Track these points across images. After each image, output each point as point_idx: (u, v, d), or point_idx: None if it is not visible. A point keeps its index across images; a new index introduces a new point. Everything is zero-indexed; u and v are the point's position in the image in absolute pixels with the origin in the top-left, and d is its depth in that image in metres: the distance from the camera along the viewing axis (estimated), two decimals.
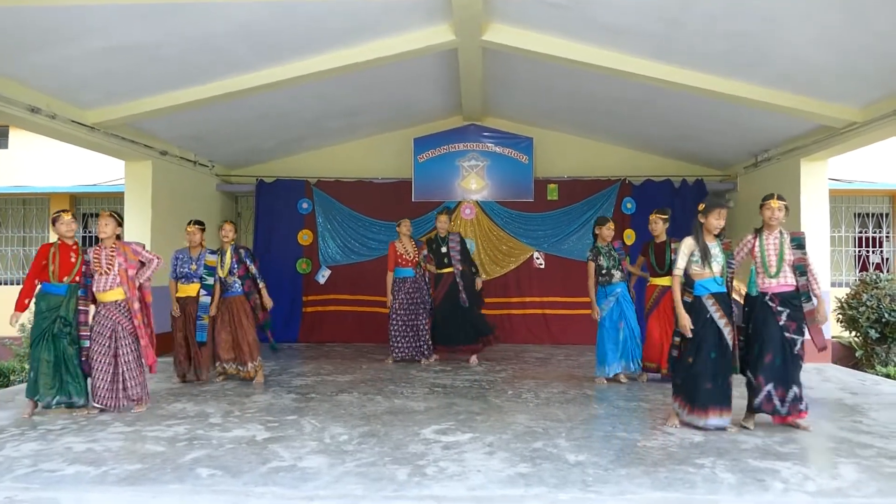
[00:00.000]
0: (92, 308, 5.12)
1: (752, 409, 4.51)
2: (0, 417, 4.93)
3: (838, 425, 4.67)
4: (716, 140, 8.50)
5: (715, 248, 4.50)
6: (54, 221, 5.10)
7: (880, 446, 4.11)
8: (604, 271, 6.16)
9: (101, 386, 4.99)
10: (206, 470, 3.62)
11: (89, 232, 11.32)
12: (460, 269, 7.28)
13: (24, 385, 5.52)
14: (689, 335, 4.44)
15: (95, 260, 5.05)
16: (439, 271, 7.41)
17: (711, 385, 4.39)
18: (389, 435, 4.33)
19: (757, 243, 4.61)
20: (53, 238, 5.33)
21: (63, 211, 5.15)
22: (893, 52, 5.18)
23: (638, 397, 5.59)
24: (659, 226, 6.16)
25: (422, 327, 7.38)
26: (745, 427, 4.48)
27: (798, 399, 4.40)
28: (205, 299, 6.19)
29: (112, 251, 5.09)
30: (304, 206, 9.69)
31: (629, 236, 9.25)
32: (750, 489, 3.33)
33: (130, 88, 6.40)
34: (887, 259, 10.56)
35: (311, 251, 9.69)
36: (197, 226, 6.34)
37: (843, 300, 8.74)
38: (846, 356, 8.90)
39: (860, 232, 10.62)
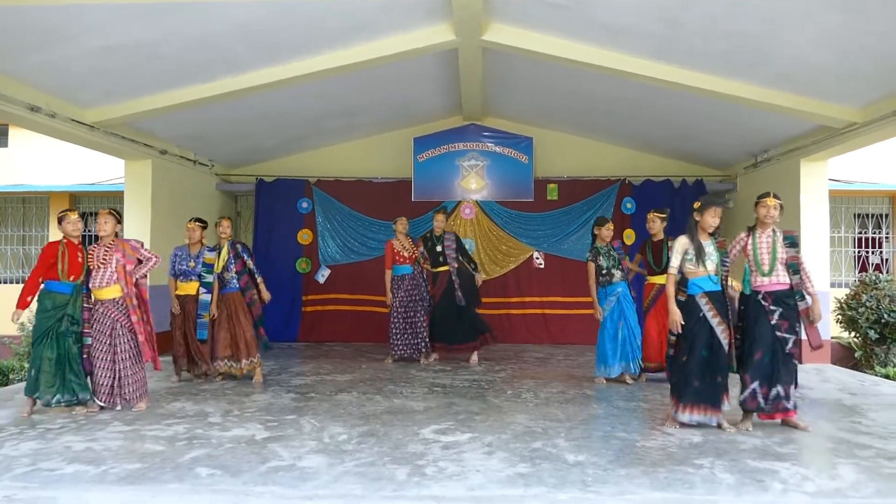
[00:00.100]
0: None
1: (744, 410, 4.52)
2: None
3: (837, 426, 4.67)
4: (716, 140, 8.50)
5: (709, 247, 4.51)
6: (60, 220, 5.09)
7: (879, 447, 4.11)
8: (604, 271, 6.16)
9: (104, 384, 5.01)
10: (206, 469, 3.62)
11: (89, 231, 11.30)
12: (456, 266, 7.29)
13: (23, 384, 5.51)
14: (678, 331, 4.48)
15: (91, 255, 5.06)
16: (435, 270, 7.42)
17: (699, 383, 4.42)
18: (389, 435, 4.33)
19: (750, 241, 4.62)
20: (53, 236, 5.32)
21: (69, 210, 5.14)
22: (893, 52, 5.18)
23: (637, 397, 5.59)
24: (656, 224, 6.18)
25: (419, 324, 7.38)
26: (743, 428, 4.48)
27: (781, 397, 4.39)
28: (205, 297, 6.18)
29: (109, 247, 5.09)
30: (304, 205, 9.69)
31: (629, 236, 9.25)
32: (749, 490, 3.33)
33: (130, 87, 6.40)
34: (887, 260, 10.55)
35: (311, 250, 9.69)
36: (198, 223, 6.34)
37: (842, 301, 8.74)
38: (845, 357, 8.90)
39: (860, 232, 10.61)
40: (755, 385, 4.42)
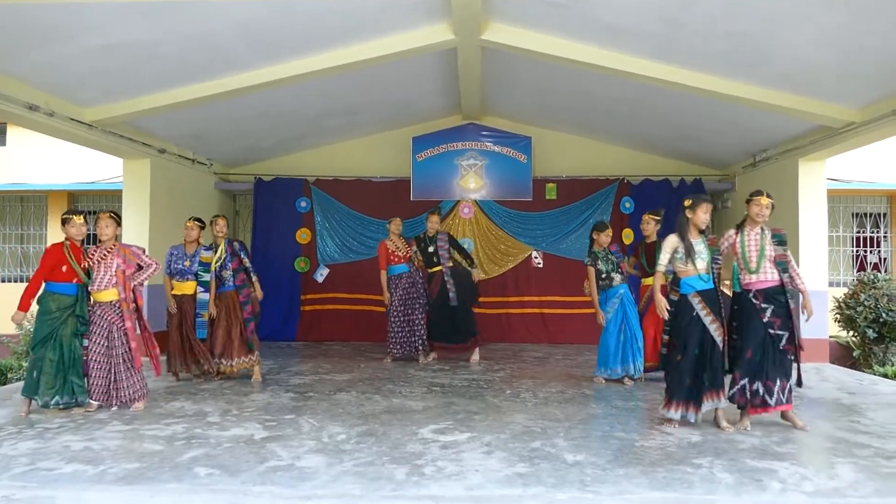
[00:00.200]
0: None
1: (739, 407, 4.54)
2: None
3: (836, 425, 4.68)
4: (715, 140, 8.50)
5: (699, 245, 4.53)
6: (64, 223, 5.07)
7: (877, 446, 4.12)
8: (603, 276, 6.16)
9: (99, 384, 5.03)
10: (204, 469, 3.62)
11: (88, 230, 11.29)
12: (450, 266, 7.30)
13: (20, 383, 5.50)
14: (665, 316, 4.59)
15: (90, 257, 5.07)
16: (430, 270, 7.43)
17: (691, 381, 4.45)
18: (387, 434, 4.33)
19: (738, 239, 4.63)
20: (52, 235, 5.32)
21: (74, 214, 5.10)
22: (893, 52, 5.18)
23: (636, 397, 5.60)
24: (650, 227, 6.24)
25: (417, 323, 7.38)
26: (742, 428, 4.48)
27: (763, 392, 4.40)
28: (203, 296, 6.17)
29: (109, 251, 5.09)
30: (303, 204, 9.68)
31: (627, 235, 9.26)
32: (747, 489, 3.34)
33: (129, 86, 6.38)
34: (885, 259, 10.56)
35: (310, 250, 9.68)
36: (196, 222, 6.34)
37: (840, 300, 8.75)
38: (844, 356, 8.91)
39: (858, 232, 10.62)
40: (744, 382, 4.47)
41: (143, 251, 5.34)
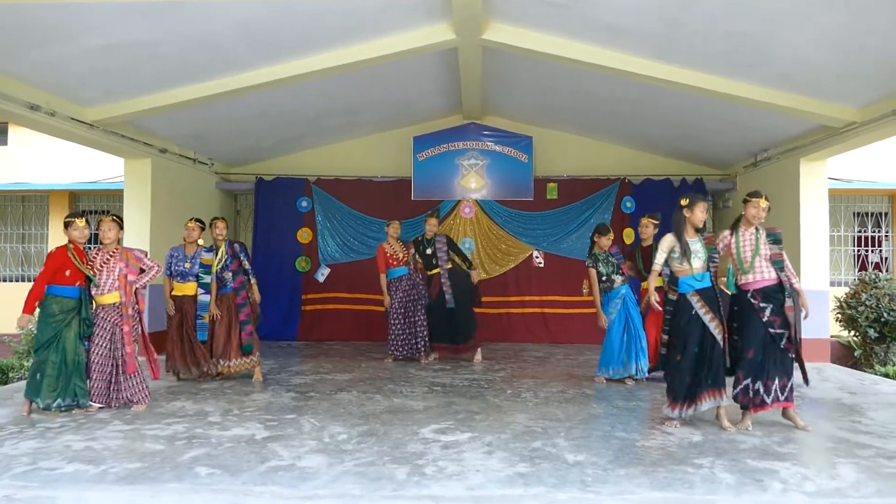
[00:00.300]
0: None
1: (742, 406, 4.53)
2: None
3: (837, 425, 4.68)
4: (716, 140, 8.50)
5: (696, 244, 4.53)
6: (67, 226, 5.05)
7: (879, 446, 4.12)
8: (604, 278, 6.16)
9: (99, 386, 5.04)
10: (205, 469, 3.62)
11: (90, 232, 11.28)
12: (448, 268, 7.30)
13: (22, 382, 5.51)
14: (657, 305, 4.70)
15: (92, 260, 5.08)
16: (429, 272, 7.44)
17: (690, 380, 4.46)
18: (388, 434, 4.33)
19: (733, 240, 4.63)
20: (52, 235, 5.31)
21: (77, 216, 5.08)
22: (893, 52, 5.18)
23: (637, 397, 5.60)
24: (648, 230, 6.27)
25: (419, 324, 7.38)
26: (743, 428, 4.48)
27: (761, 392, 4.40)
28: (204, 298, 6.17)
29: (112, 254, 5.10)
30: (304, 204, 9.68)
31: (628, 235, 9.25)
32: (748, 489, 3.34)
33: (129, 86, 6.39)
34: (886, 258, 10.55)
35: (311, 249, 9.68)
36: (197, 223, 6.34)
37: (842, 300, 8.74)
38: (845, 356, 8.91)
39: (859, 231, 10.61)
40: (747, 382, 4.46)
41: (146, 254, 5.34)
